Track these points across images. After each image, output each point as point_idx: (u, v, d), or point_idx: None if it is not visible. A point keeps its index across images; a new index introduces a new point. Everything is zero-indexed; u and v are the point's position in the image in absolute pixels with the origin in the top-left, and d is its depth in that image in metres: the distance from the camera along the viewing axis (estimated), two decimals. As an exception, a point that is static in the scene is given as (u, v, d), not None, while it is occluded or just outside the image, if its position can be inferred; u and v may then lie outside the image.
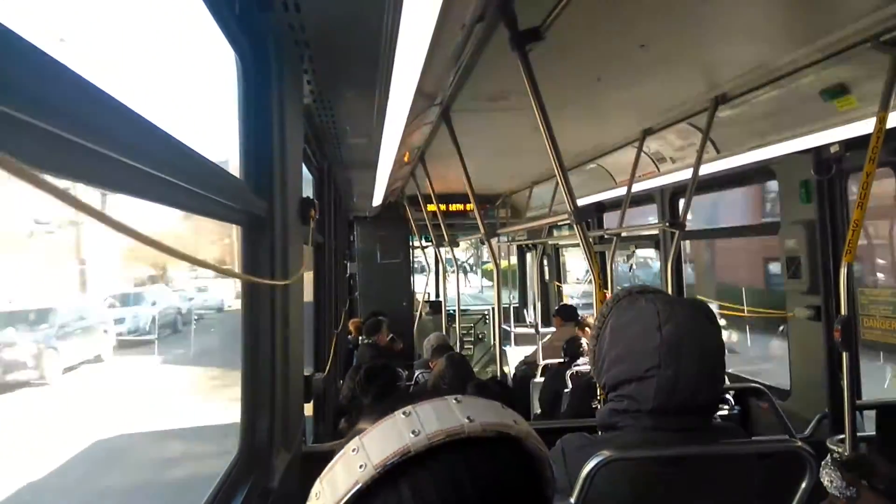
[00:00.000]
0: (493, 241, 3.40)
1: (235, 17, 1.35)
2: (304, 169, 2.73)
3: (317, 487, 0.55)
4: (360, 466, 0.51)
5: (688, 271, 6.30)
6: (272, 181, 1.50)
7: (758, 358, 6.71)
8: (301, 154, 2.04)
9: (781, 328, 4.68)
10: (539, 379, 4.69)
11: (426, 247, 7.58)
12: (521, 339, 6.32)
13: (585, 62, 2.28)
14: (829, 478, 1.56)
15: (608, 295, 1.41)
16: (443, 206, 4.91)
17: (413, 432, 0.52)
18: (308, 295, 3.28)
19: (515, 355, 5.80)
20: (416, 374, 4.47)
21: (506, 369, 5.14)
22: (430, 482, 0.51)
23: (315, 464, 0.55)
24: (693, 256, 6.75)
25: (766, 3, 1.79)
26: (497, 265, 3.35)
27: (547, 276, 7.82)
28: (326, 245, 3.64)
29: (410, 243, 7.30)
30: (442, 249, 6.42)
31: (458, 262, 6.79)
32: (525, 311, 8.59)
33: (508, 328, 6.55)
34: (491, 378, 4.06)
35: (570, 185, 1.91)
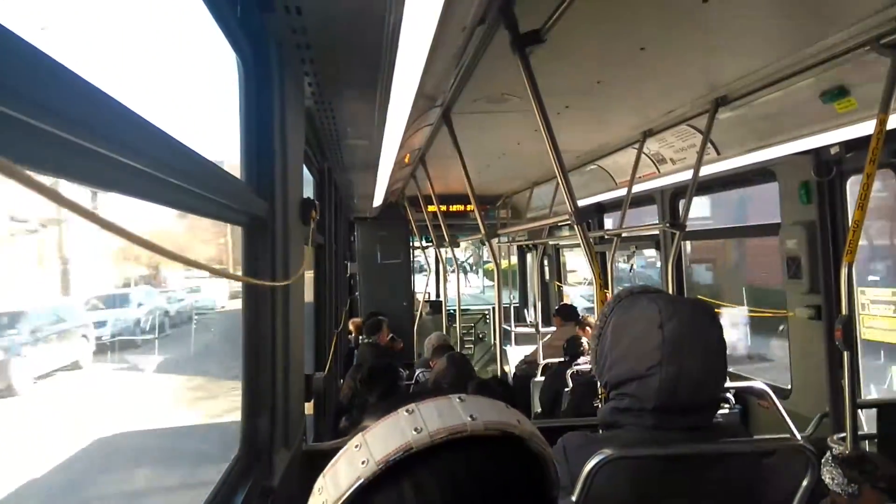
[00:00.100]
0: (494, 241, 3.40)
1: (237, 19, 1.36)
2: (305, 170, 2.74)
3: (320, 483, 0.55)
4: (363, 462, 0.52)
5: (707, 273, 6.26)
6: (273, 182, 1.50)
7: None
8: (302, 155, 2.05)
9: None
10: (539, 378, 4.70)
11: (427, 247, 7.58)
12: (522, 339, 6.32)
13: (586, 64, 2.29)
14: (830, 475, 1.56)
15: (609, 295, 1.41)
16: (443, 207, 4.91)
17: (416, 429, 0.52)
18: (309, 295, 3.29)
19: (516, 355, 5.81)
20: (416, 374, 4.48)
21: (506, 368, 5.14)
22: (431, 479, 0.52)
23: (316, 462, 0.56)
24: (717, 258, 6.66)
25: (767, 5, 1.79)
26: (497, 265, 3.36)
27: (547, 276, 7.83)
28: (327, 245, 3.65)
29: (411, 244, 7.31)
30: (442, 249, 6.43)
31: (459, 262, 6.79)
32: (525, 310, 8.60)
33: (509, 328, 6.55)
34: (492, 377, 4.06)
35: (571, 185, 1.91)
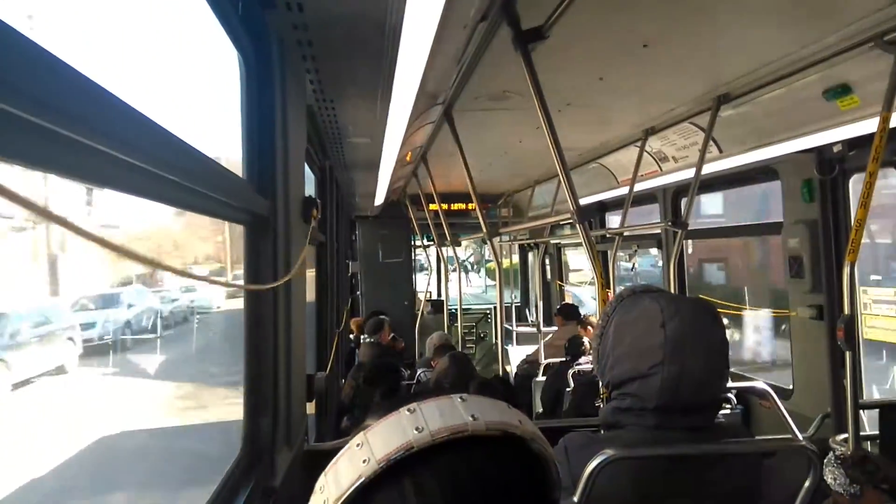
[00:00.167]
0: (495, 240, 3.40)
1: (238, 16, 1.36)
2: (307, 168, 2.74)
3: (321, 481, 0.55)
4: (364, 461, 0.52)
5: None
6: (275, 180, 1.50)
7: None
8: (303, 153, 2.05)
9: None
10: (541, 378, 4.69)
11: (428, 246, 7.58)
12: (523, 338, 6.32)
13: (588, 62, 2.28)
14: (832, 475, 1.56)
15: (611, 294, 1.41)
16: (445, 206, 4.91)
17: (417, 429, 0.52)
18: (310, 294, 3.29)
19: (517, 354, 5.80)
20: (418, 373, 4.48)
21: (508, 368, 5.14)
22: (432, 478, 0.52)
23: (318, 462, 0.56)
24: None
25: (770, 2, 1.78)
26: (499, 264, 3.35)
27: (549, 276, 7.82)
28: (328, 244, 3.65)
29: (412, 242, 7.30)
30: (444, 248, 6.43)
31: (460, 261, 6.79)
32: (527, 310, 8.59)
33: (510, 327, 6.55)
34: (494, 377, 4.06)
35: (573, 184, 1.91)
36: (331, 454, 0.56)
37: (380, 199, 5.36)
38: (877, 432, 2.31)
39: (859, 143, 2.60)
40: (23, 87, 0.51)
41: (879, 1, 1.71)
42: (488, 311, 8.26)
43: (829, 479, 1.56)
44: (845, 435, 2.02)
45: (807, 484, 1.09)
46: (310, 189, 2.83)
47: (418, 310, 6.66)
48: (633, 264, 5.55)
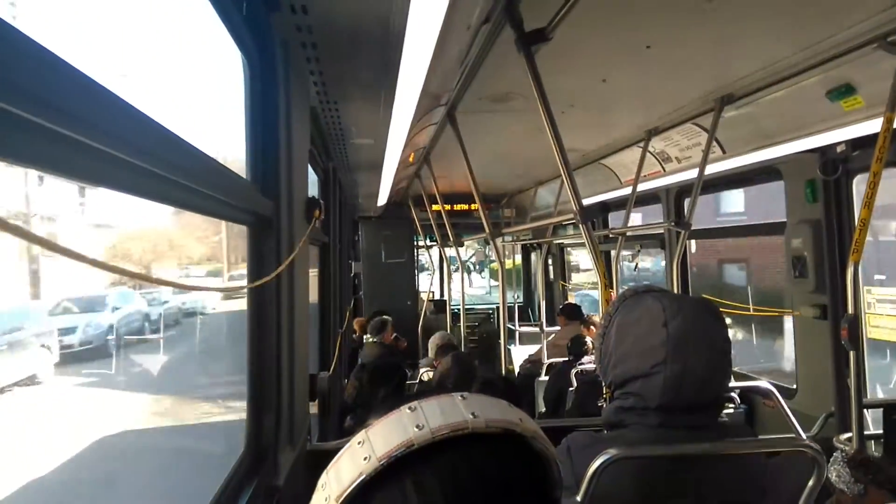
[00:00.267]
0: (498, 240, 3.40)
1: (243, 18, 1.36)
2: (310, 169, 2.74)
3: (323, 479, 0.56)
4: (365, 458, 0.52)
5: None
6: (278, 182, 1.51)
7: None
8: (307, 154, 2.05)
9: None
10: (543, 378, 4.69)
11: (431, 246, 7.59)
12: (526, 338, 6.32)
13: (591, 63, 2.28)
14: (836, 473, 1.55)
15: (613, 294, 1.41)
16: (447, 206, 4.91)
17: (417, 426, 0.53)
18: (313, 294, 3.30)
19: (520, 354, 5.80)
20: (420, 373, 4.48)
21: (510, 368, 5.14)
22: (432, 476, 0.52)
23: (320, 462, 0.56)
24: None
25: (773, 3, 1.78)
26: (502, 264, 3.36)
27: (552, 276, 7.81)
28: (331, 245, 3.66)
29: (415, 243, 7.31)
30: (446, 248, 6.44)
31: (463, 262, 6.79)
32: (530, 309, 8.59)
33: (513, 327, 6.55)
34: (497, 376, 4.06)
35: (576, 184, 1.91)
36: (334, 454, 0.56)
37: (382, 199, 5.37)
38: (881, 432, 2.30)
39: (863, 144, 2.59)
40: (24, 87, 0.51)
41: (883, 2, 1.71)
42: (491, 312, 8.26)
43: (833, 476, 1.56)
44: (849, 434, 2.01)
45: (811, 483, 1.09)
46: (313, 190, 2.83)
47: (421, 310, 6.67)
48: (636, 264, 5.54)
